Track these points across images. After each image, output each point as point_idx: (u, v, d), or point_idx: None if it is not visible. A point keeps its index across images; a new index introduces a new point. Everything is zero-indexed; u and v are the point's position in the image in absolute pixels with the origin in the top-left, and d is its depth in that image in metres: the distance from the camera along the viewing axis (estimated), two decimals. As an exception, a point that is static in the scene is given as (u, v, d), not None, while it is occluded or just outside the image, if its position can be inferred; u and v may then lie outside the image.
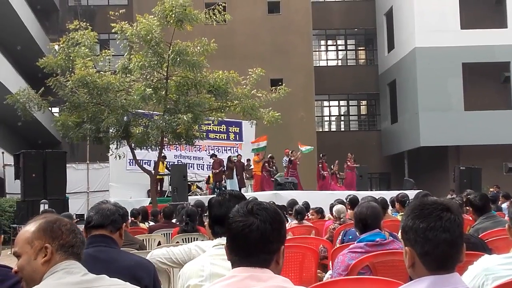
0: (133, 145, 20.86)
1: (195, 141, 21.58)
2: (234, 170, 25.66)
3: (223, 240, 3.44)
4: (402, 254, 2.66)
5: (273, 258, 2.51)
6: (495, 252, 5.10)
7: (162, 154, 22.09)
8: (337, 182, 27.85)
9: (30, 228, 2.93)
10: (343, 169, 28.40)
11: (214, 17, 19.59)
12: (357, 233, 5.60)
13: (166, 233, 10.70)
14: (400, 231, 2.74)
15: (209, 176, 26.97)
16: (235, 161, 25.94)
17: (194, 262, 3.55)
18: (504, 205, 15.78)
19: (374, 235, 5.21)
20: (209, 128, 26.16)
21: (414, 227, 2.53)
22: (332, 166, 27.84)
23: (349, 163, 28.23)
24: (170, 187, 22.76)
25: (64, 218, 3.04)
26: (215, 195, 4.19)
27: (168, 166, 24.63)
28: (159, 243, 9.66)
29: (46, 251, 2.85)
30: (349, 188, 26.16)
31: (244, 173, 26.44)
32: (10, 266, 3.46)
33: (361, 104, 43.80)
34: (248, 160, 26.80)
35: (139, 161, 22.01)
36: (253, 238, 2.47)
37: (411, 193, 14.47)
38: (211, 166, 26.47)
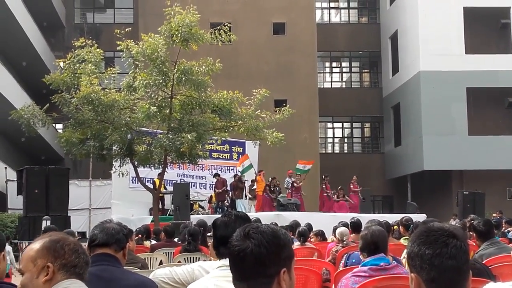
0: (136, 163, 20.85)
1: (198, 160, 21.56)
2: (244, 190, 25.70)
3: (227, 261, 3.41)
4: (405, 279, 2.65)
5: (273, 281, 2.49)
6: (499, 279, 5.07)
7: (159, 173, 22.06)
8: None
9: (35, 246, 2.94)
10: (348, 192, 28.31)
11: (220, 37, 19.64)
12: (361, 256, 5.56)
13: (168, 252, 10.67)
14: (405, 257, 2.73)
15: (211, 196, 26.93)
16: (246, 181, 26.01)
17: (198, 283, 3.53)
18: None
19: (379, 259, 5.18)
20: (212, 148, 26.11)
21: (420, 254, 2.52)
22: (337, 190, 27.76)
23: (352, 187, 28.16)
24: (172, 205, 22.72)
25: (69, 237, 3.03)
26: (217, 215, 4.17)
27: (166, 185, 24.64)
28: (160, 262, 9.63)
29: (47, 270, 2.85)
30: (353, 210, 26.10)
31: (247, 193, 26.44)
32: (12, 283, 3.45)
33: (364, 126, 43.81)
34: (253, 180, 26.73)
35: (141, 179, 21.98)
36: (248, 262, 2.47)
37: (414, 217, 14.43)
38: (214, 186, 26.44)
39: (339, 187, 27.80)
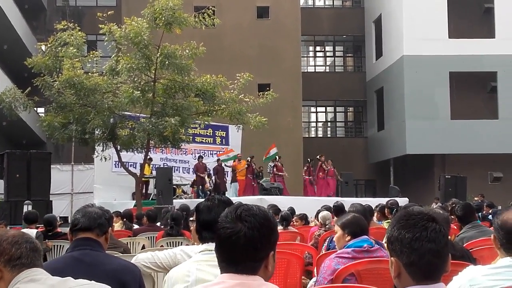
0: (119, 147, 20.76)
1: (181, 145, 21.51)
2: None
3: (210, 246, 3.43)
4: (387, 262, 2.66)
5: (261, 264, 2.48)
6: (479, 262, 5.13)
7: (148, 157, 22.01)
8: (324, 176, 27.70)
9: None
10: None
11: (203, 21, 19.56)
12: (346, 238, 5.54)
13: (151, 237, 10.68)
14: (386, 241, 2.74)
15: (194, 180, 26.91)
16: (229, 165, 26.04)
17: (180, 267, 3.54)
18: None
19: (362, 241, 5.20)
20: (195, 132, 26.03)
21: (400, 238, 2.54)
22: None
23: (325, 167, 27.96)
24: (155, 190, 22.70)
25: (8, 231, 3.04)
26: (200, 199, 4.17)
27: (153, 168, 24.61)
28: (143, 247, 9.63)
29: None
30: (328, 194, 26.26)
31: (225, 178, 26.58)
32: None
33: (348, 110, 43.87)
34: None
35: (124, 163, 21.90)
36: (240, 245, 2.44)
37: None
38: (195, 169, 26.29)
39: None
